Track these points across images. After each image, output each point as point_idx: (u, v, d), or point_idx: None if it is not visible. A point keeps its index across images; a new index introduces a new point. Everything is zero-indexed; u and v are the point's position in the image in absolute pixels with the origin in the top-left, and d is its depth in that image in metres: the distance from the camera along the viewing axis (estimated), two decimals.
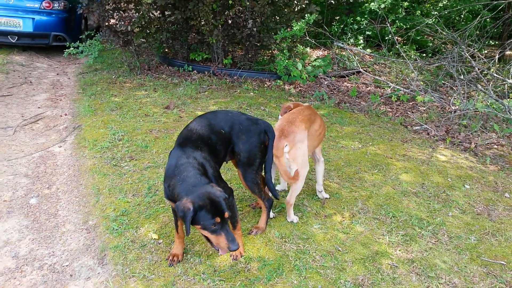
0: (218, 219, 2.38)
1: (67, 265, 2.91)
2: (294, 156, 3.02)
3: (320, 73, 8.50)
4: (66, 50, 7.37)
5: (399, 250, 2.98)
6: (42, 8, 8.62)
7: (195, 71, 8.11)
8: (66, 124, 5.47)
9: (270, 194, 3.15)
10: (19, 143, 4.83)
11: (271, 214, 3.30)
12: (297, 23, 7.29)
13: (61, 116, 5.78)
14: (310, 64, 8.78)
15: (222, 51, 8.17)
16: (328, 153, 4.71)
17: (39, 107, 6.11)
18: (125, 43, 7.64)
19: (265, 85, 7.69)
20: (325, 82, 8.30)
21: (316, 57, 9.70)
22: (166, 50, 8.98)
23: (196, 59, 8.39)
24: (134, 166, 4.12)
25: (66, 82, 7.62)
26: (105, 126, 5.07)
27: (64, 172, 4.20)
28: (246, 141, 2.89)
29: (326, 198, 3.64)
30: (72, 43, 7.45)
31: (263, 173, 3.08)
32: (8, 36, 8.53)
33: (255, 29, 7.57)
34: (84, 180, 3.97)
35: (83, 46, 7.51)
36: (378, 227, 3.26)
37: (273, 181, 3.44)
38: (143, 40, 8.19)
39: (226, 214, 2.41)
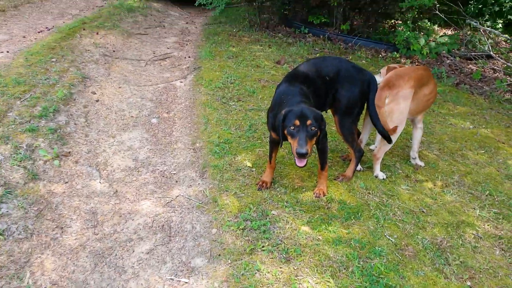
0: (297, 122, 2.49)
1: (174, 173, 3.41)
2: (391, 110, 3.00)
3: (444, 51, 7.92)
4: (198, 0, 8.00)
5: (488, 225, 2.86)
6: None
7: (310, 34, 8.19)
8: (188, 64, 6.08)
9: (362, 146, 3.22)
10: (148, 74, 5.54)
11: (359, 167, 3.38)
12: None
13: (185, 58, 6.42)
14: (434, 41, 8.21)
15: (341, 16, 8.08)
16: (434, 127, 4.53)
17: (168, 48, 6.84)
18: None
19: (380, 55, 7.47)
20: (447, 61, 7.72)
21: (443, 34, 9.01)
22: (286, 12, 9.16)
23: (314, 22, 8.43)
24: (240, 106, 4.48)
25: (193, 30, 8.33)
26: (221, 70, 5.53)
27: (182, 103, 4.76)
28: (348, 88, 2.97)
29: (420, 165, 3.58)
30: None
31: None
32: None
33: None
34: (197, 111, 4.46)
35: None
36: (471, 201, 3.14)
37: (367, 139, 3.49)
38: None
39: (309, 122, 2.49)
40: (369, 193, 3.11)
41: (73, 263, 2.44)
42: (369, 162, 3.55)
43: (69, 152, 3.48)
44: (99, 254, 2.51)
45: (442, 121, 4.72)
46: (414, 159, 3.59)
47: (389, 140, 3.09)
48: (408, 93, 3.03)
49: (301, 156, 2.47)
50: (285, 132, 2.59)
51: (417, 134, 3.48)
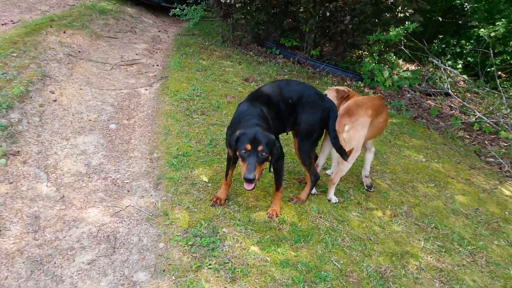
0: (248, 146, 2.55)
1: (127, 183, 3.32)
2: (350, 136, 3.12)
3: (405, 85, 8.28)
4: (172, 10, 7.99)
5: (430, 257, 2.97)
6: None
7: (281, 55, 8.34)
8: (155, 73, 6.01)
9: (318, 170, 3.28)
10: (113, 79, 5.43)
11: (314, 191, 3.44)
12: (394, 28, 7.17)
13: (153, 66, 6.35)
14: (397, 74, 8.58)
15: (312, 41, 8.30)
16: (388, 157, 4.69)
17: (136, 54, 6.75)
18: (225, 15, 8.09)
19: (345, 83, 7.70)
20: (408, 95, 8.08)
21: (406, 69, 9.44)
22: (260, 31, 9.30)
23: (285, 44, 8.60)
24: (203, 120, 4.47)
25: (165, 39, 8.28)
26: (188, 82, 5.51)
27: (144, 111, 4.68)
28: (309, 113, 3.03)
29: (369, 186, 3.69)
30: (179, 5, 8.07)
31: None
32: None
33: (350, 26, 7.58)
34: (158, 120, 4.39)
35: (188, 10, 8.10)
36: (416, 232, 3.25)
37: (323, 163, 3.56)
38: (241, 16, 8.60)
39: (260, 147, 2.55)
40: (321, 217, 3.16)
41: (8, 269, 2.31)
42: (324, 186, 3.61)
43: (18, 151, 3.33)
44: (37, 261, 2.39)
45: (397, 152, 4.90)
46: (366, 178, 3.76)
47: (346, 158, 3.16)
48: (366, 121, 3.18)
49: (249, 181, 2.52)
50: (237, 154, 2.61)
51: (370, 156, 3.71)
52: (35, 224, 2.67)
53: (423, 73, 9.42)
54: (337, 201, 3.38)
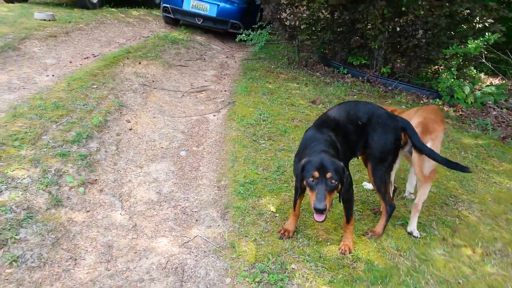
0: (316, 174, 2.36)
1: (195, 211, 3.31)
2: None
3: (490, 101, 7.56)
4: (239, 36, 8.16)
5: None
6: None
7: (349, 75, 8.08)
8: (223, 98, 6.11)
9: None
10: (183, 106, 5.60)
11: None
12: (473, 41, 6.62)
13: (221, 91, 6.47)
14: (480, 90, 7.88)
15: (382, 58, 7.95)
16: (476, 184, 4.22)
17: (206, 81, 6.94)
18: (291, 37, 8.07)
19: (421, 101, 7.22)
20: (493, 112, 7.35)
21: (489, 83, 8.67)
22: (326, 51, 9.15)
23: (353, 63, 8.35)
24: (270, 145, 4.39)
25: (232, 64, 8.46)
26: (254, 106, 5.50)
27: (212, 137, 4.73)
28: (381, 134, 2.79)
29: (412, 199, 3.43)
30: (245, 31, 8.23)
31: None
32: (195, 18, 9.82)
33: (423, 40, 7.15)
34: (226, 147, 4.40)
35: (253, 35, 8.22)
36: None
37: (393, 185, 3.33)
38: (307, 37, 8.54)
39: (329, 174, 2.36)
40: (400, 255, 2.87)
41: None
42: (402, 218, 3.31)
43: (96, 179, 3.48)
44: None
45: (485, 179, 4.40)
46: (411, 194, 3.63)
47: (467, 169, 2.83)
48: (442, 135, 3.08)
49: (319, 211, 2.33)
50: (304, 183, 2.46)
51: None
52: (108, 253, 2.73)
53: (509, 87, 8.55)
54: (418, 236, 3.06)
